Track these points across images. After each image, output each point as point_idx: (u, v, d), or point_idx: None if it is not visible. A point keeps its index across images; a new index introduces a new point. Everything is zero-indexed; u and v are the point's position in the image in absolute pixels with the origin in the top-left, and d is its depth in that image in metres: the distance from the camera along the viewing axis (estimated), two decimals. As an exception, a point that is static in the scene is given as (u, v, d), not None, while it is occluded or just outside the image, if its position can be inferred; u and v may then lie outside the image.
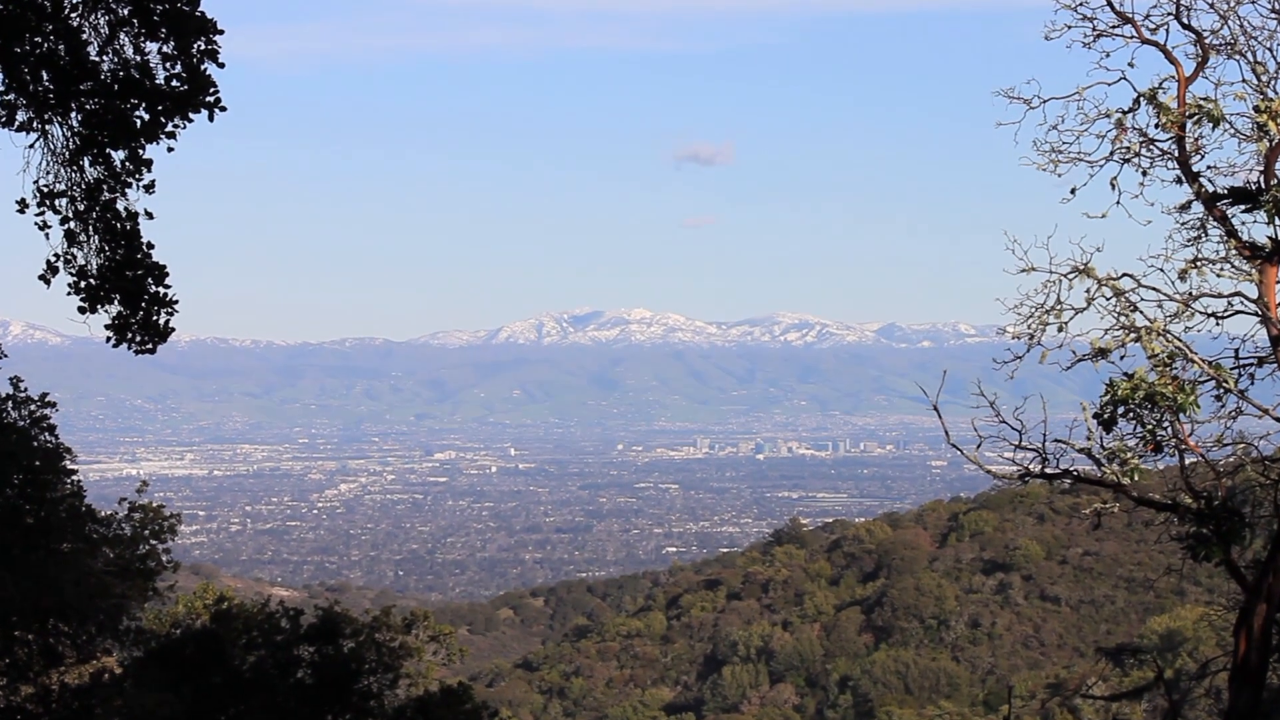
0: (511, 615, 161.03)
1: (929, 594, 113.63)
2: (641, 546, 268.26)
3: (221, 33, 14.68)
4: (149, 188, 15.01)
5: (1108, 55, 14.61)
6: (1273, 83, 14.49)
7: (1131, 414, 13.70)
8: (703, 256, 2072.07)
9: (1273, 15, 14.50)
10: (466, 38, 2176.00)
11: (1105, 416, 13.73)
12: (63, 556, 21.75)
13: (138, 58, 14.57)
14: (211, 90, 14.67)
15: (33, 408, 21.68)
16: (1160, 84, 14.40)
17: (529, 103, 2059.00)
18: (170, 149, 14.82)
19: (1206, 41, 14.53)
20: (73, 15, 14.37)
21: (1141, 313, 14.29)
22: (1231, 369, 14.20)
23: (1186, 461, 14.15)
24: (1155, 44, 14.59)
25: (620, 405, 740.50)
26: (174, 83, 14.54)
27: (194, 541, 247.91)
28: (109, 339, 15.33)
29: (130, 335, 15.32)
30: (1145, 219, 14.69)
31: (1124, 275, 14.44)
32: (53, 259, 14.96)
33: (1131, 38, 14.64)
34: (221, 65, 14.74)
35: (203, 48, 14.61)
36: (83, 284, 15.05)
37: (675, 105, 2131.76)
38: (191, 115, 14.67)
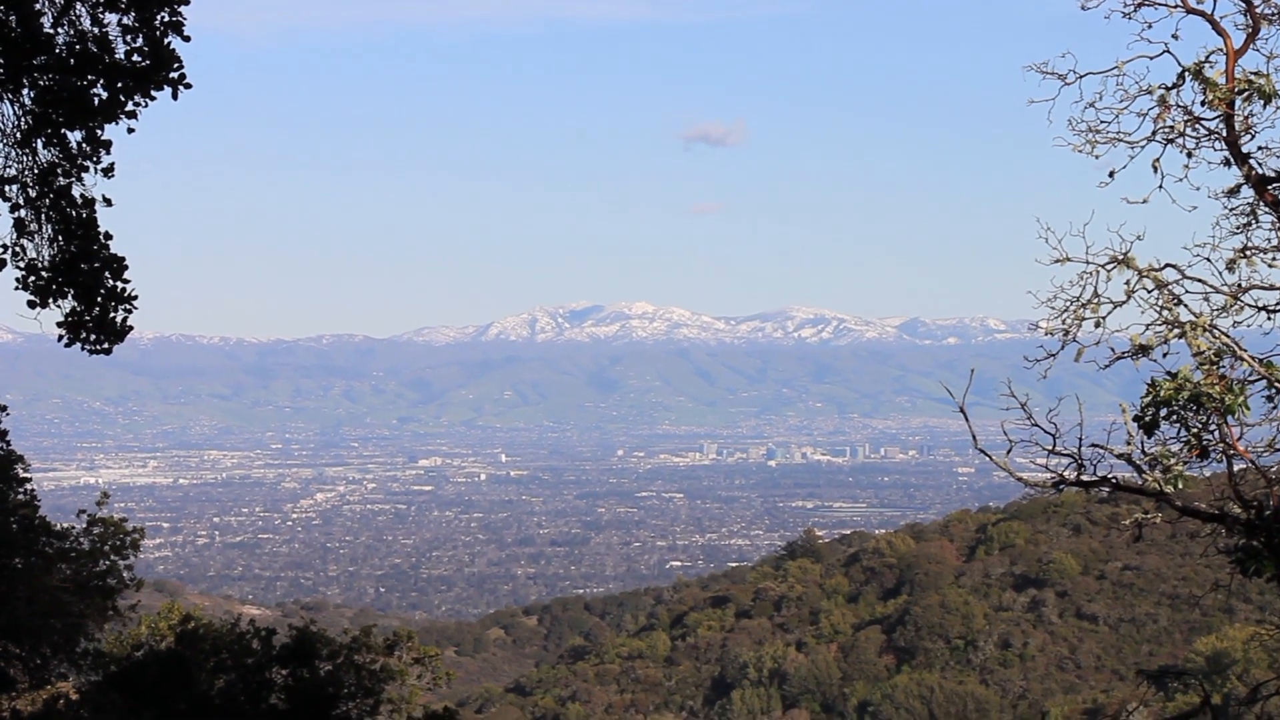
0: (502, 635, 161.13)
1: (955, 612, 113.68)
2: (643, 560, 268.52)
3: (186, 3, 14.66)
4: (107, 171, 14.96)
5: (1150, 26, 14.55)
6: (1329, 56, 14.43)
7: (1175, 416, 13.66)
8: (710, 246, 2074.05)
9: (1329, -18, 14.44)
10: (456, 9, 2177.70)
11: (1146, 419, 13.69)
12: (15, 573, 21.75)
13: (96, 30, 14.54)
14: (176, 65, 14.64)
15: (-19, 411, 21.67)
16: (1207, 57, 14.34)
17: (523, 78, 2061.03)
18: (131, 129, 14.80)
19: (1258, 10, 14.46)
20: (24, -16, 14.33)
21: (1186, 306, 14.24)
22: (1284, 367, 14.15)
23: (1235, 468, 14.10)
24: (1201, 14, 14.53)
25: (620, 407, 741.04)
26: (135, 57, 14.51)
27: (158, 556, 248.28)
28: (61, 338, 15.27)
29: (84, 334, 15.26)
30: (1190, 204, 14.63)
31: (1167, 265, 14.40)
32: (0, 250, 14.92)
33: (1176, 7, 14.58)
34: (187, 39, 14.71)
35: (166, 19, 14.58)
36: (30, 279, 14.97)
37: (683, 81, 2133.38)
38: (154, 93, 14.65)
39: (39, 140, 14.83)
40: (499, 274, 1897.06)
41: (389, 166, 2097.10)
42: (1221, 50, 14.38)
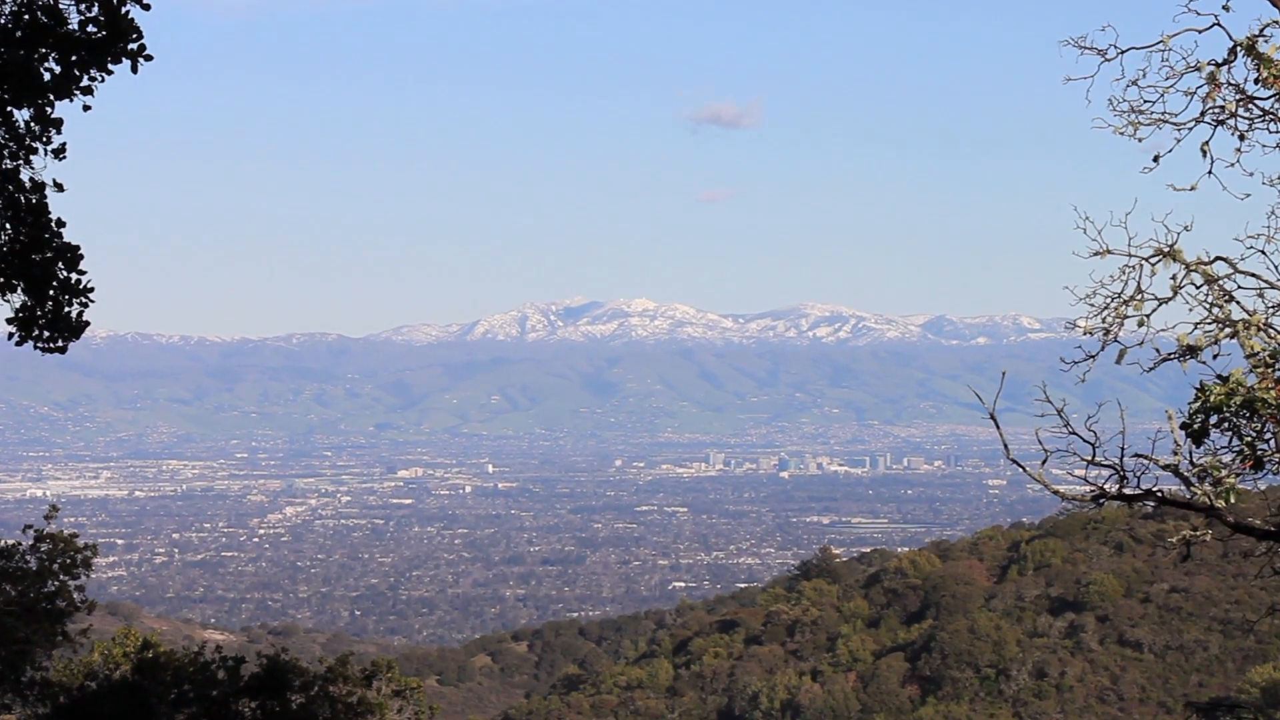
0: (489, 663, 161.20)
1: (985, 638, 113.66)
2: (644, 581, 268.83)
3: (146, -31, 14.67)
4: (59, 153, 14.97)
5: (1198, -4, 14.58)
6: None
7: (1227, 424, 13.68)
8: (718, 237, 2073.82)
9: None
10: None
11: (1195, 427, 13.70)
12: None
13: (46, -1, 14.56)
14: (134, 36, 14.65)
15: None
16: (1262, 30, 14.35)
17: (513, 53, 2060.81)
18: (86, 107, 14.80)
19: (1317, -20, 14.48)
20: (-32, -51, 14.35)
21: (1238, 303, 14.26)
22: (1346, 370, 14.16)
23: (1292, 480, 14.13)
24: (1255, -17, 14.57)
25: (619, 413, 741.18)
26: (90, 28, 14.52)
27: (111, 576, 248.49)
28: (11, 335, 15.25)
29: (36, 331, 15.25)
30: (1243, 191, 14.66)
31: (1217, 259, 14.42)
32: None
33: (1227, -24, 14.61)
34: (146, 7, 14.73)
35: (124, -13, 14.60)
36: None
37: (693, 56, 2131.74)
38: (111, 66, 14.66)
39: (-16, 119, 14.84)
40: (485, 267, 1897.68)
41: (366, 149, 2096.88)
42: (1277, 22, 14.39)
